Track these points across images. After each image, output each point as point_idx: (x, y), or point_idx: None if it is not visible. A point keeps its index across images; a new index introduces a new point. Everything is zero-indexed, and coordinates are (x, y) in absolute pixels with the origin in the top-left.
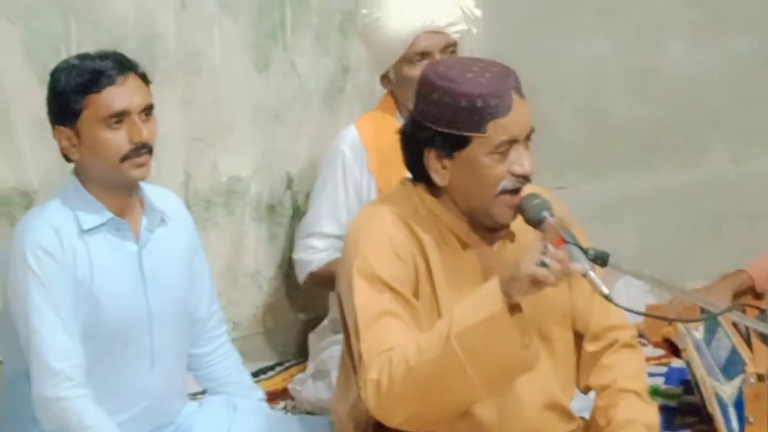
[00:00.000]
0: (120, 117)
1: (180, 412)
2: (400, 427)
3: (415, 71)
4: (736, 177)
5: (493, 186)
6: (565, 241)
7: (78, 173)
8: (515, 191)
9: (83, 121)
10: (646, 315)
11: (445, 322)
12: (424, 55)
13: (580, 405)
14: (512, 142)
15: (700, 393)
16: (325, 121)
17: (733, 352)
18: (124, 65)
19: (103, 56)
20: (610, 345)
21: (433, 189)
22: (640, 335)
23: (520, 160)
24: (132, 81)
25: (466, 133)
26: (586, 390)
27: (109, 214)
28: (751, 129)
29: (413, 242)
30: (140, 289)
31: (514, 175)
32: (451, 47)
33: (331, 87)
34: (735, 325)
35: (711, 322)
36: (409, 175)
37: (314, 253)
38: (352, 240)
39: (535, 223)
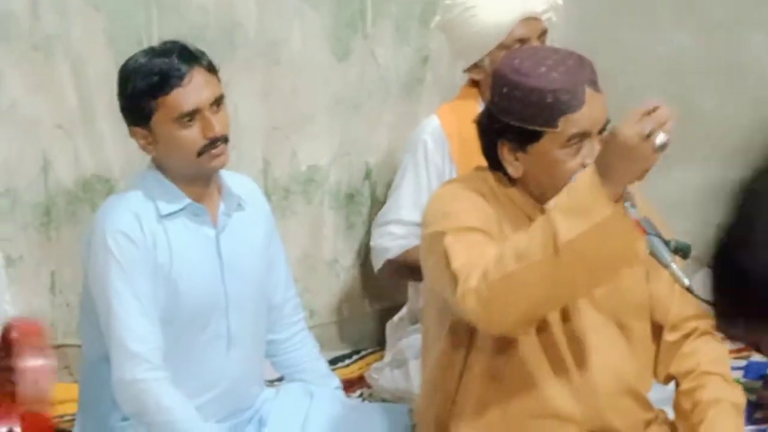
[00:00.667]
0: (191, 115)
1: (257, 398)
2: (506, 333)
3: None
4: None
5: (567, 179)
6: (646, 232)
7: (156, 163)
8: None
9: (156, 122)
10: (707, 302)
11: (546, 227)
12: (522, 41)
13: (658, 396)
14: (584, 136)
15: None
16: (404, 112)
17: None
18: (189, 60)
19: (168, 51)
20: (689, 334)
21: (508, 177)
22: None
23: (593, 154)
24: (199, 76)
25: (537, 128)
26: (667, 380)
27: (187, 200)
28: None
29: (493, 216)
30: (218, 273)
31: (585, 167)
32: (544, 34)
33: (411, 77)
34: None
35: None
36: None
37: (393, 240)
38: (434, 208)
39: None
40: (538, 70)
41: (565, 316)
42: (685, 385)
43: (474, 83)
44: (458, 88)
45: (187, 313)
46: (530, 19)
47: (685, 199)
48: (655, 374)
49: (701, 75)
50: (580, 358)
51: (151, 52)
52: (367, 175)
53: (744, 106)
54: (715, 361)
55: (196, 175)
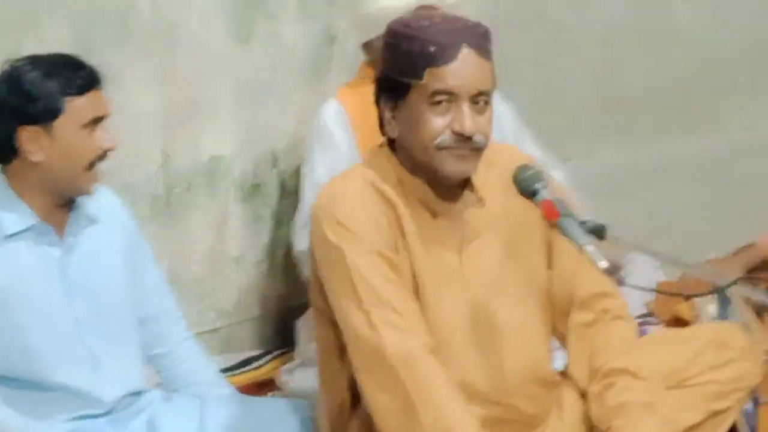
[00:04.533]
0: (97, 122)
1: (142, 398)
2: None
3: None
4: (751, 144)
5: (431, 140)
6: (560, 214)
7: (11, 174)
8: (456, 149)
9: (60, 123)
10: (651, 290)
11: None
12: None
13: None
14: (450, 94)
15: None
16: (311, 95)
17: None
18: (96, 73)
19: (74, 60)
20: (599, 318)
21: (398, 153)
22: (651, 314)
23: (462, 118)
24: (102, 90)
25: (405, 79)
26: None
27: (34, 219)
28: (765, 93)
29: (388, 208)
30: (64, 297)
31: (453, 132)
32: None
33: (318, 58)
34: (748, 300)
35: (723, 297)
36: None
37: None
38: (329, 212)
39: (529, 194)
40: (422, 23)
41: (479, 305)
42: (593, 388)
43: (372, 62)
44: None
45: (34, 343)
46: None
47: (617, 175)
48: (572, 366)
49: (632, 45)
50: (499, 348)
51: (55, 58)
52: (275, 164)
53: (676, 76)
54: (623, 353)
55: (65, 191)
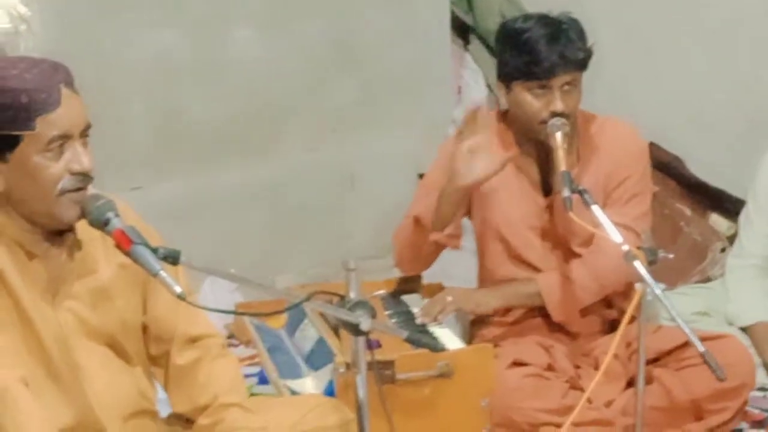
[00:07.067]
0: None
1: None
2: None
3: None
4: (313, 166)
5: (52, 186)
6: (132, 242)
7: None
8: (78, 190)
9: None
10: (227, 312)
11: None
12: None
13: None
14: (65, 137)
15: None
16: None
17: (320, 342)
18: None
19: None
20: (201, 357)
21: (4, 204)
22: (231, 336)
23: (78, 158)
24: None
25: (15, 132)
26: (193, 413)
27: None
28: (323, 115)
29: None
30: None
31: (72, 173)
32: None
33: None
34: (323, 315)
35: (296, 314)
36: None
37: None
38: None
39: (101, 224)
40: (10, 72)
41: (62, 347)
42: (203, 420)
43: None
44: None
45: None
46: None
47: (183, 204)
48: (174, 403)
49: (189, 74)
50: (81, 387)
51: None
52: None
53: (233, 102)
54: (232, 390)
55: None
